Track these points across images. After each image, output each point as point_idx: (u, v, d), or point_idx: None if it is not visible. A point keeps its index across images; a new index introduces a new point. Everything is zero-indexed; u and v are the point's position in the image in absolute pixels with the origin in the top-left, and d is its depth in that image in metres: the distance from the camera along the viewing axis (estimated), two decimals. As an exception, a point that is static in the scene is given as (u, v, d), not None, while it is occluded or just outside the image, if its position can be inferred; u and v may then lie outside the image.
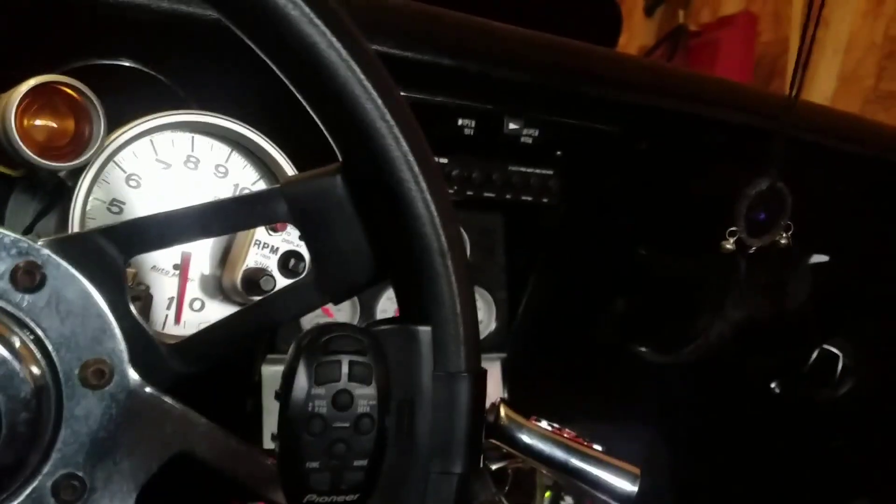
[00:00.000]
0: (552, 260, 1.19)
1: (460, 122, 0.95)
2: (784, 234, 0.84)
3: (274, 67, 0.48)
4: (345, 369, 0.46)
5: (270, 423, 1.06)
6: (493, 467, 0.88)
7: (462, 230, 1.16)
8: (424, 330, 0.49)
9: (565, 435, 0.86)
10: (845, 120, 1.09)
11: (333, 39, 0.46)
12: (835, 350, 1.45)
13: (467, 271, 0.50)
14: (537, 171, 1.09)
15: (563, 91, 0.90)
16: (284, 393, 0.46)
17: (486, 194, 1.08)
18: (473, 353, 0.50)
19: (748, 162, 0.87)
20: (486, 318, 1.23)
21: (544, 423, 0.86)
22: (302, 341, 0.47)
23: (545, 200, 1.11)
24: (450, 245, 0.48)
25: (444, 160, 1.03)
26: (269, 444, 1.07)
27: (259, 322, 0.50)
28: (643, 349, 1.32)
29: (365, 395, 0.47)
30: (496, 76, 0.87)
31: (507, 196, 1.08)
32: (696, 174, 1.05)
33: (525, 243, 1.23)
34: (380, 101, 0.46)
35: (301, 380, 0.45)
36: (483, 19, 0.92)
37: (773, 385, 1.47)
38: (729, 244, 0.86)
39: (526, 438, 0.85)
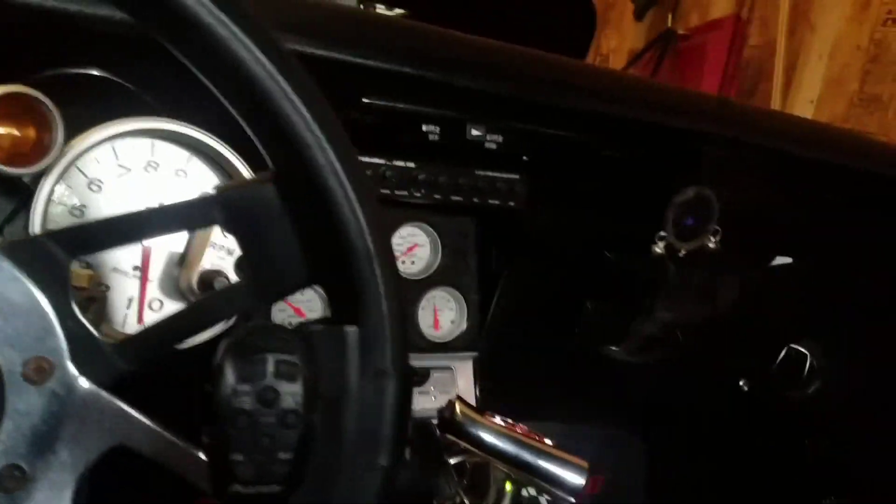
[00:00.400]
0: (523, 262, 1.21)
1: (425, 128, 0.97)
2: (712, 239, 0.86)
3: (205, 81, 0.51)
4: (270, 367, 0.48)
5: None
6: (452, 462, 0.90)
7: (437, 231, 1.19)
8: (353, 330, 0.51)
9: (518, 430, 0.88)
10: (778, 121, 1.10)
11: (260, 55, 0.48)
12: (803, 350, 1.47)
13: (394, 274, 0.52)
14: (504, 175, 1.11)
15: (522, 99, 0.93)
16: (212, 388, 0.48)
17: (453, 198, 1.10)
18: (400, 353, 0.52)
19: (679, 167, 0.89)
20: (458, 319, 1.26)
21: (498, 419, 0.89)
22: (229, 339, 0.49)
23: (512, 204, 1.13)
24: (376, 250, 0.50)
25: (411, 164, 1.05)
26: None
27: (194, 323, 0.52)
28: (613, 349, 1.34)
29: (291, 392, 0.49)
30: (456, 84, 0.89)
31: (475, 200, 1.10)
32: (645, 179, 1.07)
33: (497, 246, 1.25)
34: (306, 113, 0.48)
35: (227, 376, 0.48)
36: (444, 29, 0.94)
37: (742, 384, 1.49)
38: (658, 248, 0.88)
39: (479, 434, 0.87)
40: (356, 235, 0.50)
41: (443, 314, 1.25)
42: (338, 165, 0.49)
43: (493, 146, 1.02)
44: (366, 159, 1.03)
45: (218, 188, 0.53)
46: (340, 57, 0.84)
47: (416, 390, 1.21)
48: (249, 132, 0.52)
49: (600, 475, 1.74)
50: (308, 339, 0.51)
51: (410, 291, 1.22)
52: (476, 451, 0.87)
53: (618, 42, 3.60)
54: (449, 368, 1.25)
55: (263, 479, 0.48)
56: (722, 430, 1.60)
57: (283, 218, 0.52)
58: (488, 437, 0.86)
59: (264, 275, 0.53)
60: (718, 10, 3.10)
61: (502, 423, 0.87)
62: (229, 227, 0.52)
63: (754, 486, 1.54)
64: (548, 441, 0.87)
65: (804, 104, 2.83)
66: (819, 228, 1.20)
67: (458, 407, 0.86)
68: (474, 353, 1.27)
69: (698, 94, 0.99)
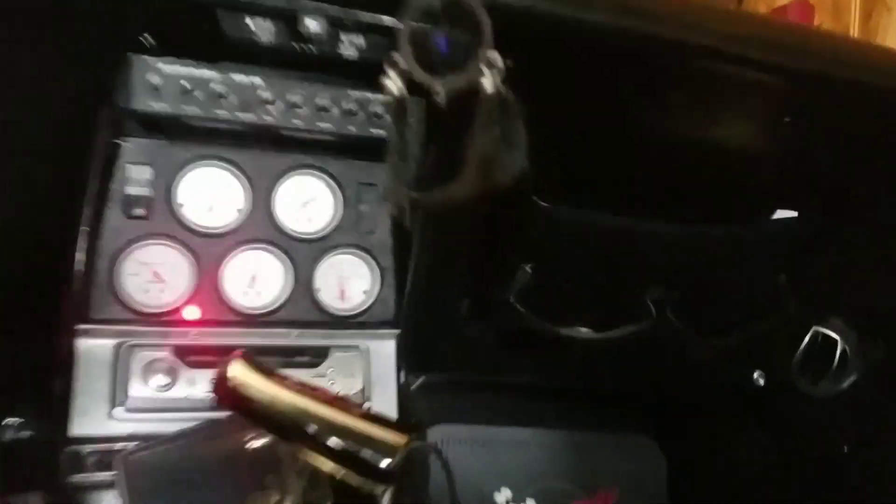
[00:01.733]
0: (430, 211, 0.93)
1: (249, 21, 0.73)
2: (490, 74, 0.56)
3: None
4: None
5: (82, 406, 0.86)
6: (254, 445, 0.64)
7: (336, 181, 0.94)
8: None
9: (322, 396, 0.61)
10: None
11: None
12: (832, 334, 1.13)
13: None
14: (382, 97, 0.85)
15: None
16: None
17: (320, 125, 0.84)
18: None
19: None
20: (371, 287, 0.99)
21: (292, 383, 0.62)
22: None
23: (404, 136, 0.87)
24: None
25: (255, 79, 0.81)
26: (79, 429, 0.86)
27: None
28: (580, 330, 1.05)
29: None
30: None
31: (350, 128, 0.85)
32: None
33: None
34: None
35: None
36: None
37: (756, 376, 1.16)
38: (392, 85, 0.58)
39: (261, 403, 0.60)
40: None
41: (350, 282, 0.99)
42: None
43: (355, 54, 0.76)
44: (193, 71, 0.79)
45: None
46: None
47: (309, 373, 0.95)
48: None
49: (612, 489, 1.43)
50: None
51: (308, 254, 0.97)
52: (259, 426, 0.61)
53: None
54: (356, 347, 0.98)
55: None
56: (738, 435, 1.27)
57: None
58: (273, 407, 0.59)
59: None
60: (787, -5, 2.75)
61: (296, 388, 0.60)
62: None
63: (773, 499, 1.20)
64: (361, 409, 0.60)
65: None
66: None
67: (231, 367, 0.60)
68: (395, 331, 1.00)
69: None
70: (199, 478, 0.75)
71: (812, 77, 0.84)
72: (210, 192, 0.91)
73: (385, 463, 0.57)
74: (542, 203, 0.90)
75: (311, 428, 0.59)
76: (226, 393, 0.60)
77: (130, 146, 0.86)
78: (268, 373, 0.61)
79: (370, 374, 0.97)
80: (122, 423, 0.86)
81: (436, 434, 1.31)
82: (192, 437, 0.77)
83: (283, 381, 0.60)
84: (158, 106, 0.77)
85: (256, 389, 0.60)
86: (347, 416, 0.59)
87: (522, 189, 0.89)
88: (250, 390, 0.60)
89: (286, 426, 0.59)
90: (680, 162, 0.93)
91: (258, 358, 0.62)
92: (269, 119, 0.81)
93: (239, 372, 0.60)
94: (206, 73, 0.78)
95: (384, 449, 0.57)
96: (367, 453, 0.58)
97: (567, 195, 0.91)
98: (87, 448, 0.84)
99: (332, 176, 0.95)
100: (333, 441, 0.58)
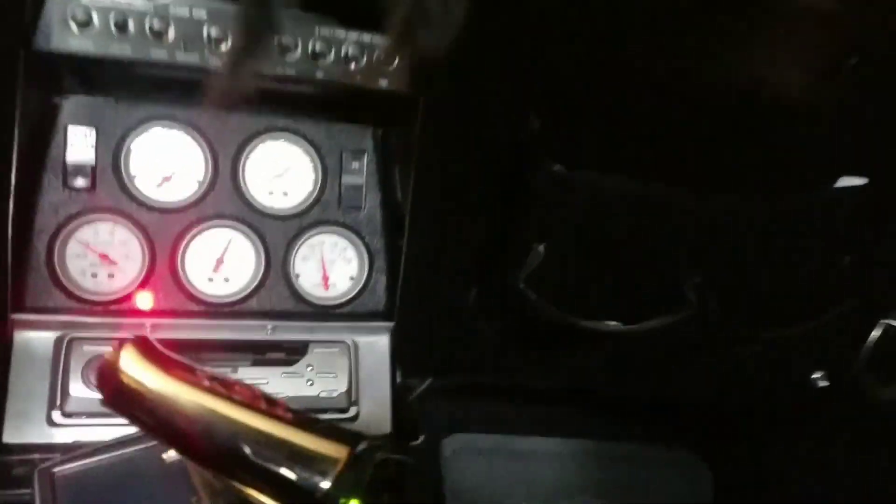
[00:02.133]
0: (426, 182, 0.77)
1: None
2: None
3: None
4: None
5: (17, 409, 0.71)
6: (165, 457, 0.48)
7: (316, 147, 0.78)
8: None
9: (248, 396, 0.45)
10: None
11: None
12: (905, 327, 0.94)
13: None
14: (359, 37, 0.69)
15: None
16: None
17: (280, 70, 0.69)
18: None
19: None
20: (359, 273, 0.84)
21: (210, 375, 0.46)
22: None
23: (384, 85, 0.72)
24: None
25: (199, 12, 0.66)
26: (12, 436, 0.71)
27: None
28: (609, 324, 0.87)
29: None
30: None
31: (318, 75, 0.69)
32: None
33: (399, 165, 0.83)
34: None
35: None
36: None
37: (816, 377, 0.97)
38: None
39: (161, 406, 0.44)
40: None
41: (335, 266, 0.84)
42: None
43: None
44: (124, 4, 0.64)
45: None
46: None
47: (281, 371, 0.79)
48: None
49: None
50: None
51: (283, 234, 0.81)
52: (158, 439, 0.44)
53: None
54: (343, 343, 0.82)
55: None
56: (795, 447, 1.08)
57: None
58: (173, 412, 0.43)
59: None
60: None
61: (205, 386, 0.44)
62: None
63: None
64: (293, 414, 0.43)
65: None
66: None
67: (121, 357, 0.44)
68: (388, 324, 0.84)
69: None
70: (128, 496, 0.60)
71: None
72: (165, 160, 0.77)
73: (322, 485, 0.40)
74: (557, 166, 0.73)
75: (223, 440, 0.42)
76: (114, 391, 0.44)
77: (70, 105, 0.73)
78: (169, 365, 0.44)
79: (358, 373, 0.82)
80: (61, 430, 0.71)
81: (451, 445, 1.15)
82: (120, 448, 0.61)
83: (189, 376, 0.44)
84: (80, 45, 0.62)
85: (152, 389, 0.43)
86: (273, 422, 0.42)
87: (532, 149, 0.72)
88: (143, 389, 0.43)
89: (191, 439, 0.43)
90: (723, 117, 0.75)
91: (160, 346, 0.46)
92: (215, 61, 0.65)
93: (130, 364, 0.44)
94: (140, 5, 0.64)
95: (321, 466, 0.40)
96: (298, 473, 0.41)
97: (587, 157, 0.74)
98: (17, 458, 0.69)
99: (310, 141, 0.81)
100: (253, 459, 0.41)
